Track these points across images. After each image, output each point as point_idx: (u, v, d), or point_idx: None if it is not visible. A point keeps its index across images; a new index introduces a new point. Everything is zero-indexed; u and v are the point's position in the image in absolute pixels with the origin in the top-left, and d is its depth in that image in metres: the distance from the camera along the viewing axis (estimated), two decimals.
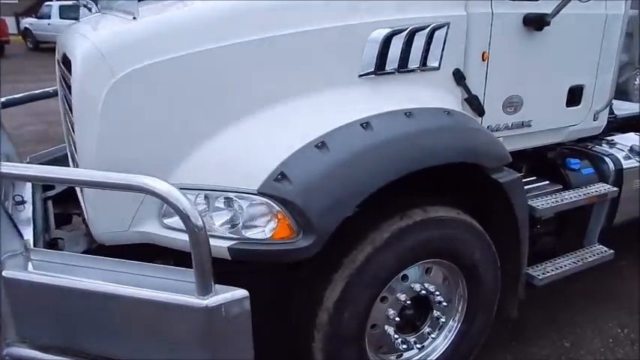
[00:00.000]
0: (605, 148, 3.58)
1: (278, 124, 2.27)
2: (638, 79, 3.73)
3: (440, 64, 2.58)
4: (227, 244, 2.11)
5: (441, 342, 2.75)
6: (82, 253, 2.39)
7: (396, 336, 2.53)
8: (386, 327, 2.50)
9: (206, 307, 1.81)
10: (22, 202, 2.79)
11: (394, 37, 2.42)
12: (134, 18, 2.19)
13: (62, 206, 3.08)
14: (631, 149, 3.58)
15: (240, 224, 2.13)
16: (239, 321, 1.87)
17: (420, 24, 2.47)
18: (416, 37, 2.48)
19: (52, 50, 3.02)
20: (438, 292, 2.58)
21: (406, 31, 2.44)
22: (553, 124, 3.16)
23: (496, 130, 2.86)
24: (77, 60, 2.15)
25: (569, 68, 3.09)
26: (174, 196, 1.76)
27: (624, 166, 3.46)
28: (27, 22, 23.63)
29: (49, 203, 3.01)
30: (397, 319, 2.50)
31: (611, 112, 3.69)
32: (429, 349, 2.72)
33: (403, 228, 2.34)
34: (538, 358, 3.21)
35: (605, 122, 3.47)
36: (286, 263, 2.24)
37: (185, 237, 1.82)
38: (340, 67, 2.39)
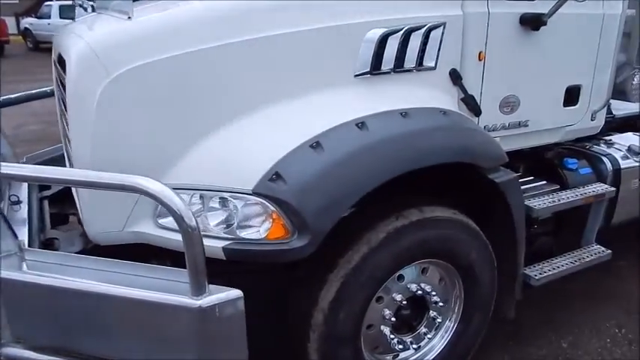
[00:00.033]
0: (603, 148, 3.57)
1: (273, 124, 2.27)
2: (635, 79, 3.72)
3: (436, 64, 2.58)
4: (222, 244, 2.10)
5: (438, 342, 2.74)
6: (78, 253, 2.38)
7: (392, 336, 2.52)
8: (382, 327, 2.50)
9: (200, 307, 1.81)
10: (18, 202, 2.79)
11: (390, 37, 2.42)
12: (129, 18, 2.18)
13: (59, 206, 3.08)
14: (629, 149, 3.57)
15: (235, 224, 2.13)
16: (233, 321, 1.86)
17: (416, 24, 2.47)
18: (412, 36, 2.47)
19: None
20: (434, 293, 2.57)
21: (402, 31, 2.44)
22: (550, 124, 3.15)
23: (493, 130, 2.85)
24: (72, 60, 2.14)
25: (567, 68, 3.08)
26: (167, 197, 1.76)
27: (622, 166, 3.45)
28: (27, 22, 23.64)
29: (45, 203, 3.01)
30: (393, 319, 2.49)
31: (610, 112, 3.69)
32: (425, 349, 2.71)
33: (399, 228, 2.33)
34: (535, 358, 3.20)
35: (603, 122, 3.46)
36: (281, 263, 2.23)
37: (180, 237, 1.81)
38: (336, 67, 2.39)
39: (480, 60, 2.69)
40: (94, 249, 2.37)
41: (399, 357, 2.66)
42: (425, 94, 2.55)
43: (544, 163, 3.39)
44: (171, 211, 1.76)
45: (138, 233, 2.23)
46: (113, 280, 1.93)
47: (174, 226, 1.83)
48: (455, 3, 2.59)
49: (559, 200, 3.07)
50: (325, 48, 2.35)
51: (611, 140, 3.66)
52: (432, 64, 2.57)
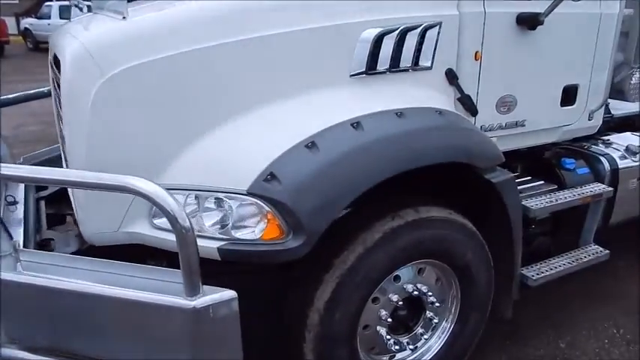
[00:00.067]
0: (601, 147, 3.56)
1: (268, 124, 2.26)
2: (633, 79, 3.71)
3: (432, 64, 2.57)
4: (217, 244, 2.10)
5: (435, 343, 2.73)
6: (73, 253, 2.37)
7: (388, 337, 2.52)
8: (378, 328, 2.49)
9: (194, 308, 1.80)
10: (14, 203, 2.78)
11: (385, 37, 2.41)
12: (124, 18, 2.18)
13: (55, 207, 3.08)
14: (627, 149, 3.57)
15: (230, 225, 2.12)
16: (227, 322, 1.86)
17: (411, 23, 2.46)
18: (407, 36, 2.47)
19: None
20: (430, 293, 2.57)
21: (397, 31, 2.43)
22: (547, 124, 3.14)
23: (490, 130, 2.84)
24: (66, 60, 2.14)
25: (564, 68, 3.07)
26: (160, 197, 1.75)
27: (620, 166, 3.45)
28: (27, 22, 23.65)
29: (42, 204, 3.01)
30: (389, 319, 2.48)
31: (608, 111, 3.68)
32: (422, 349, 2.71)
33: (395, 228, 2.33)
34: (533, 358, 3.20)
35: (601, 122, 3.45)
36: (277, 264, 2.23)
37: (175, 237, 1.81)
38: (331, 66, 2.38)
39: (476, 60, 2.68)
40: (89, 250, 2.36)
41: (396, 357, 2.65)
42: (421, 93, 2.55)
43: (542, 163, 3.38)
44: (164, 212, 1.76)
45: (133, 234, 2.23)
46: (107, 281, 1.93)
47: (169, 226, 1.83)
48: (451, 3, 2.58)
49: (556, 200, 3.06)
50: (320, 48, 2.34)
51: (609, 140, 3.65)
52: (428, 64, 2.56)
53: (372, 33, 2.38)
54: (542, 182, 3.27)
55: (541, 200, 3.03)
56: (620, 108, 3.86)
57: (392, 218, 2.34)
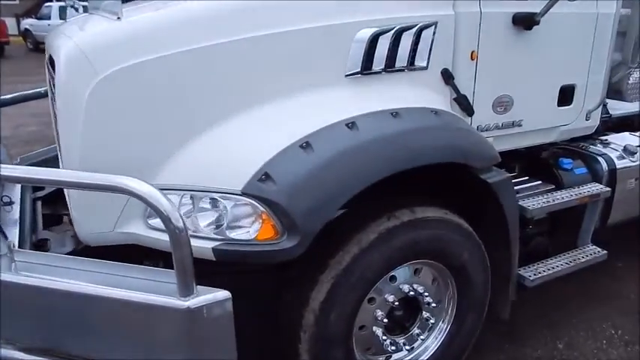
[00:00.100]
0: (598, 147, 3.56)
1: (264, 124, 2.26)
2: (631, 79, 3.70)
3: (428, 64, 2.57)
4: (211, 244, 2.10)
5: (431, 343, 2.72)
6: (69, 254, 2.37)
7: (385, 337, 2.51)
8: (374, 328, 2.49)
9: (188, 308, 1.80)
10: (10, 203, 2.78)
11: (381, 37, 2.41)
12: (118, 18, 2.18)
13: (52, 207, 3.08)
14: (625, 149, 3.56)
15: (225, 225, 2.12)
16: (221, 322, 1.85)
17: (406, 23, 2.46)
18: (403, 36, 2.46)
19: None
20: (426, 294, 2.56)
21: (393, 31, 2.43)
22: (544, 124, 3.14)
23: (486, 130, 2.84)
24: (60, 60, 2.14)
25: (560, 67, 3.07)
26: (154, 197, 1.75)
27: (618, 166, 3.44)
28: (27, 22, 23.67)
29: (38, 204, 3.01)
30: (385, 320, 2.48)
31: (606, 111, 3.68)
32: (418, 350, 2.70)
33: (390, 229, 2.32)
34: (530, 358, 3.19)
35: (598, 122, 3.44)
36: (272, 264, 2.23)
37: None
38: (326, 67, 2.38)
39: (472, 60, 2.68)
40: (84, 250, 2.36)
41: (392, 358, 2.64)
42: (417, 93, 2.54)
43: (539, 163, 3.38)
44: (158, 212, 1.75)
45: (128, 234, 2.23)
46: (102, 281, 1.93)
47: (164, 226, 1.82)
48: (446, 3, 2.57)
49: (553, 200, 3.05)
50: (315, 48, 2.34)
51: (607, 140, 3.65)
52: (424, 64, 2.56)
53: (367, 33, 2.38)
54: (539, 182, 3.26)
55: (538, 200, 3.03)
56: (619, 108, 3.85)
57: (387, 218, 2.34)
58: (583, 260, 3.23)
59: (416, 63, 2.54)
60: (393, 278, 2.48)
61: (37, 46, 22.19)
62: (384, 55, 2.44)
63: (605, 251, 3.32)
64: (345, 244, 2.26)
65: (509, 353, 3.21)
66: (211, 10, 2.24)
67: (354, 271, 2.25)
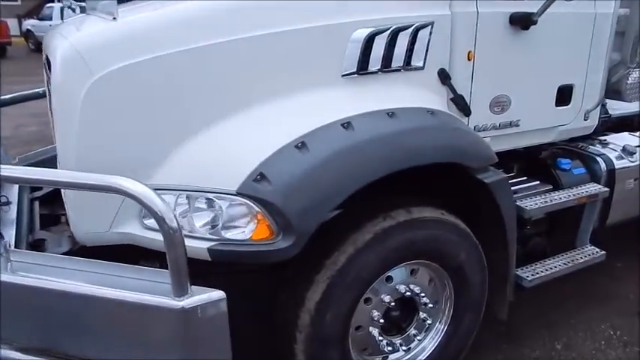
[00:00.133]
0: (597, 148, 3.55)
1: (259, 124, 2.26)
2: (630, 79, 3.69)
3: (424, 64, 2.56)
4: (207, 245, 2.10)
5: (428, 344, 2.72)
6: (65, 254, 2.38)
7: (381, 338, 2.51)
8: (370, 328, 2.48)
9: (182, 308, 1.80)
10: (8, 203, 2.79)
11: (377, 37, 2.40)
12: (114, 19, 2.18)
13: (50, 207, 3.08)
14: (624, 149, 3.55)
15: (220, 225, 2.12)
16: (215, 322, 1.86)
17: (403, 23, 2.45)
18: (399, 36, 2.46)
19: None
20: (423, 294, 2.56)
21: (389, 31, 2.42)
22: (542, 124, 3.13)
23: (483, 130, 2.83)
24: (56, 60, 2.14)
25: (558, 67, 3.06)
26: (148, 198, 1.75)
27: (616, 166, 3.43)
28: (29, 23, 23.73)
29: (36, 204, 3.01)
30: (382, 320, 2.47)
31: (606, 111, 3.67)
32: (415, 350, 2.70)
33: (386, 229, 2.32)
34: (529, 359, 3.18)
35: (597, 122, 3.43)
36: (268, 264, 2.23)
37: None
38: (322, 67, 2.38)
39: (469, 60, 2.67)
40: (81, 250, 2.36)
41: (389, 359, 2.64)
42: (413, 94, 2.54)
43: (538, 163, 3.37)
44: (152, 213, 1.75)
45: (124, 234, 2.23)
46: (97, 281, 1.93)
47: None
48: (443, 3, 2.57)
49: (551, 201, 3.05)
50: (311, 48, 2.34)
51: (606, 140, 3.64)
52: (420, 64, 2.55)
53: (363, 33, 2.38)
54: (537, 182, 3.26)
55: (536, 201, 3.02)
56: (618, 108, 3.84)
57: (383, 219, 2.34)
58: (581, 261, 3.23)
59: (412, 63, 2.53)
60: (389, 278, 2.48)
61: (38, 47, 22.19)
62: (380, 55, 2.44)
63: (603, 252, 3.31)
64: (340, 244, 2.26)
65: (507, 353, 3.20)
66: (207, 10, 2.24)
67: (350, 272, 2.25)
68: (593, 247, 3.35)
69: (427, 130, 2.43)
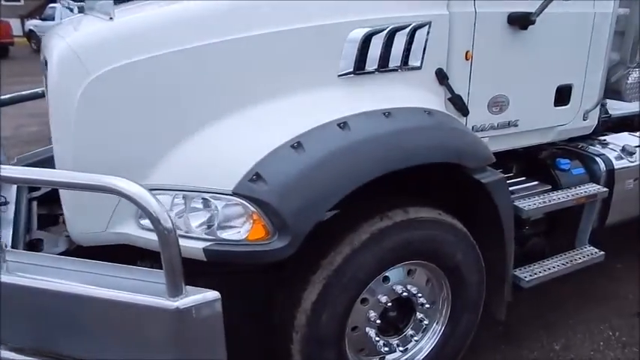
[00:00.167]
0: (597, 148, 3.54)
1: (255, 124, 2.26)
2: (630, 79, 3.67)
3: (422, 64, 2.56)
4: (202, 245, 2.09)
5: (425, 344, 2.72)
6: (62, 254, 2.38)
7: (378, 338, 2.50)
8: (367, 329, 2.48)
9: (176, 308, 1.79)
10: (5, 203, 2.79)
11: (374, 37, 2.40)
12: (110, 19, 2.18)
13: (48, 207, 3.08)
14: (623, 149, 3.54)
15: (216, 225, 2.11)
16: (210, 323, 1.84)
17: (400, 23, 2.45)
18: (396, 36, 2.45)
19: None
20: (420, 294, 2.55)
21: (386, 31, 2.42)
22: (541, 124, 3.12)
23: (481, 130, 2.82)
24: (53, 60, 2.15)
25: (557, 67, 3.05)
26: (143, 198, 1.74)
27: (616, 167, 3.42)
28: (31, 23, 23.75)
29: (34, 204, 3.01)
30: (378, 321, 2.47)
31: (606, 111, 3.66)
32: (412, 351, 2.69)
33: (383, 229, 2.32)
34: None
35: (596, 122, 3.43)
36: (263, 264, 2.22)
37: None
38: (318, 67, 2.37)
39: (467, 60, 2.67)
40: (77, 250, 2.36)
41: (386, 359, 2.63)
42: (410, 93, 2.54)
43: (537, 163, 3.36)
44: (146, 213, 1.75)
45: (120, 234, 2.23)
46: (92, 281, 1.92)
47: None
48: (440, 2, 2.56)
49: (549, 201, 3.04)
50: (307, 48, 2.33)
51: (605, 140, 3.63)
52: (418, 64, 2.55)
53: (359, 33, 2.37)
54: (536, 183, 3.25)
55: (534, 201, 3.01)
56: (619, 108, 3.83)
57: (380, 219, 2.33)
58: (580, 261, 3.22)
59: (409, 63, 2.53)
60: (386, 279, 2.47)
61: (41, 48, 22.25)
62: (377, 55, 2.44)
63: (602, 252, 3.30)
64: (337, 244, 2.26)
65: (505, 354, 3.19)
66: (203, 10, 2.24)
67: (346, 272, 2.25)
68: (592, 247, 3.34)
69: (424, 130, 2.43)
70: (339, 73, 2.40)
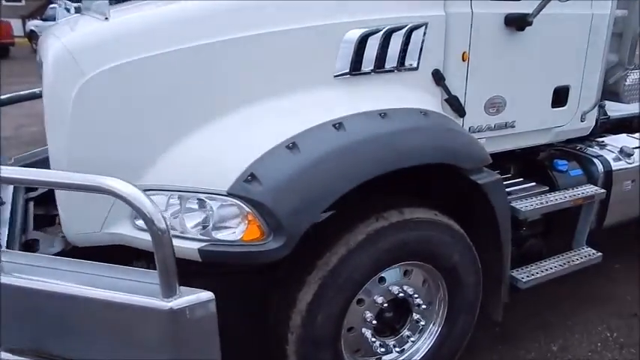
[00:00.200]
0: (595, 149, 3.54)
1: (251, 125, 2.25)
2: (628, 80, 3.67)
3: (418, 65, 2.55)
4: (197, 245, 2.09)
5: (422, 345, 2.72)
6: (57, 254, 2.38)
7: (374, 339, 2.50)
8: (363, 330, 2.48)
9: (170, 309, 1.79)
10: (1, 203, 2.79)
11: (370, 38, 2.40)
12: (106, 19, 2.18)
13: (45, 208, 3.08)
14: (621, 150, 3.54)
15: (211, 226, 2.11)
16: (204, 323, 1.84)
17: (396, 24, 2.45)
18: (393, 37, 2.45)
19: None
20: (416, 295, 2.55)
21: (382, 32, 2.42)
22: (538, 125, 3.11)
23: (478, 131, 2.82)
24: (48, 60, 2.14)
25: (554, 69, 3.04)
26: (137, 198, 1.74)
27: (614, 168, 3.42)
28: (32, 24, 23.75)
29: (30, 204, 3.01)
30: (374, 322, 2.47)
31: (604, 113, 3.65)
32: (409, 352, 2.69)
33: (379, 230, 2.31)
34: None
35: (594, 123, 3.42)
36: (259, 265, 2.22)
37: None
38: (314, 67, 2.37)
39: (463, 60, 2.66)
40: (73, 250, 2.36)
41: None
42: (407, 94, 2.53)
43: (535, 164, 3.36)
44: (140, 213, 1.75)
45: (115, 234, 2.23)
46: (86, 282, 1.92)
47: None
48: (437, 3, 2.56)
49: (546, 202, 3.04)
50: (303, 48, 2.33)
51: (603, 142, 3.63)
52: (414, 65, 2.54)
53: (355, 34, 2.37)
54: (533, 184, 3.24)
55: (531, 202, 3.01)
56: (617, 109, 3.83)
57: (376, 219, 2.33)
58: (577, 262, 3.21)
59: (406, 64, 2.53)
60: (382, 279, 2.47)
61: None
62: (373, 55, 2.43)
63: (600, 253, 3.30)
64: (332, 245, 2.26)
65: (502, 355, 3.19)
66: (198, 10, 2.23)
67: (342, 273, 2.25)
68: (589, 248, 3.34)
69: (419, 130, 2.42)
70: (336, 74, 2.40)
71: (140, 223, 2.17)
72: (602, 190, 3.27)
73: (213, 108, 2.25)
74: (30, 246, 2.57)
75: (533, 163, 3.37)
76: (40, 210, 3.04)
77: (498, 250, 2.70)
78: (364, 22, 2.39)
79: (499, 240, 2.67)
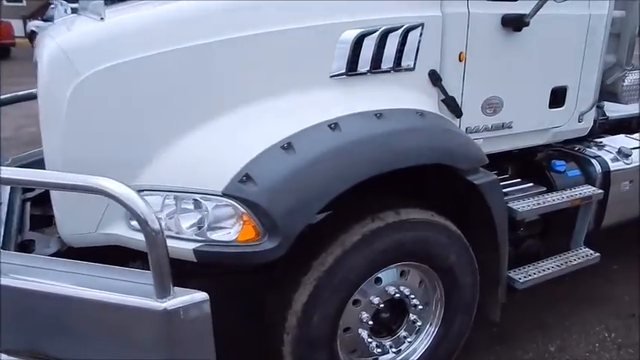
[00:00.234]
0: (593, 150, 3.53)
1: (247, 125, 2.25)
2: (626, 81, 3.66)
3: (414, 65, 2.55)
4: (192, 246, 2.09)
5: (419, 345, 2.71)
6: (53, 255, 2.37)
7: (370, 340, 2.50)
8: (359, 330, 2.47)
9: (164, 309, 1.79)
10: None
11: (366, 38, 2.39)
12: (101, 19, 2.18)
13: (42, 208, 3.08)
14: (619, 151, 3.53)
15: (206, 226, 2.11)
16: (198, 324, 1.84)
17: (392, 24, 2.44)
18: (389, 37, 2.44)
19: None
20: (413, 296, 2.55)
21: (378, 32, 2.41)
22: (535, 126, 3.11)
23: (475, 132, 2.81)
24: (43, 61, 2.15)
25: (552, 69, 3.04)
26: (130, 199, 1.74)
27: (612, 169, 3.42)
28: (33, 24, 23.65)
29: (27, 205, 3.01)
30: (371, 322, 2.46)
31: (603, 113, 3.65)
32: (405, 352, 2.69)
33: (374, 230, 2.31)
34: None
35: (591, 124, 3.42)
36: (255, 265, 2.22)
37: None
38: (310, 67, 2.37)
39: (460, 61, 2.66)
40: (69, 251, 2.36)
41: None
42: (403, 95, 2.53)
43: (532, 165, 3.35)
44: (133, 214, 1.75)
45: (110, 235, 2.22)
46: (81, 283, 1.91)
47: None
48: (434, 3, 2.55)
49: (544, 203, 3.03)
50: (299, 49, 2.33)
51: (601, 142, 3.62)
52: (411, 65, 2.54)
53: (351, 34, 2.36)
54: (531, 184, 3.23)
55: (528, 202, 3.00)
56: (617, 110, 3.82)
57: (372, 220, 2.33)
58: (575, 263, 3.21)
59: (402, 64, 2.52)
60: (378, 280, 2.47)
61: None
62: (369, 56, 2.43)
63: (597, 254, 3.29)
64: (328, 245, 2.26)
65: (499, 355, 3.19)
66: (193, 10, 2.23)
67: (337, 273, 2.24)
68: (587, 249, 3.33)
69: (415, 131, 2.42)
70: (332, 74, 2.39)
71: (135, 223, 2.16)
72: (600, 191, 3.26)
73: (208, 108, 2.24)
74: (26, 246, 2.57)
75: (530, 164, 3.37)
76: (37, 210, 3.04)
77: (495, 250, 2.69)
78: (360, 23, 2.38)
79: (496, 240, 2.66)
